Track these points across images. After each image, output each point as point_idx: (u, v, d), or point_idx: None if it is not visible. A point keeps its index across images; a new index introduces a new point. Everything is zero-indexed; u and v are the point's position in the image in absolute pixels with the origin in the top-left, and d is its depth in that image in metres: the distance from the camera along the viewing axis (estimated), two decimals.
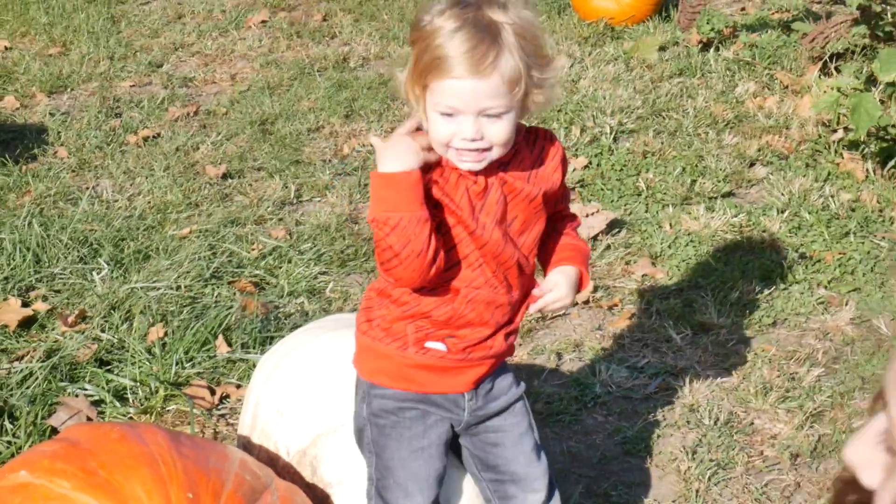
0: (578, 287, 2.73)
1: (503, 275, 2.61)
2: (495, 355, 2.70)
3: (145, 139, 5.49)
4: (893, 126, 5.04)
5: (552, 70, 2.52)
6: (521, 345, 3.81)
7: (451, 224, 2.58)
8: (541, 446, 2.86)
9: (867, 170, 5.33)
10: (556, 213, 2.76)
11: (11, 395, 3.78)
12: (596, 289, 4.12)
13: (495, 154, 2.47)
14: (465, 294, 2.59)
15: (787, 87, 6.02)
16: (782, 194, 4.80)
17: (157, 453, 2.66)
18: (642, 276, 4.21)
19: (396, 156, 2.57)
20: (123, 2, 7.47)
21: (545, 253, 2.80)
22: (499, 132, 2.44)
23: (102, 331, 4.14)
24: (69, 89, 6.24)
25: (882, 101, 4.98)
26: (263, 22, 7.25)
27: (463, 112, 2.36)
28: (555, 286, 2.67)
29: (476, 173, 2.56)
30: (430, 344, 2.66)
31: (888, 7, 5.09)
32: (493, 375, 2.76)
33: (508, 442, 2.83)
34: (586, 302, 4.09)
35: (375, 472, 2.83)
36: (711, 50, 6.48)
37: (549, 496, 2.87)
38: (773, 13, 6.94)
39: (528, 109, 2.54)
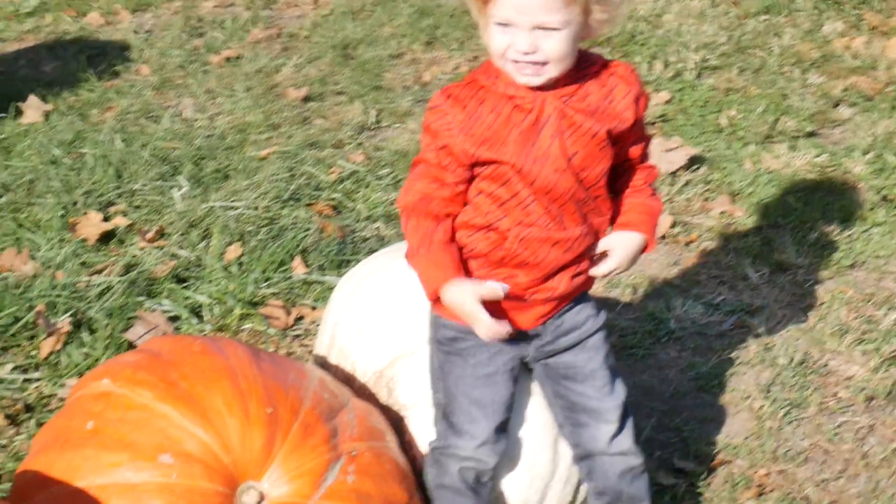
0: (641, 251, 2.72)
1: (558, 211, 2.60)
2: (560, 296, 2.70)
3: (227, 59, 5.53)
4: None
5: None
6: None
7: (500, 163, 2.59)
8: (617, 377, 2.85)
9: None
10: (630, 162, 2.70)
11: (90, 308, 3.86)
12: (674, 224, 4.09)
13: (553, 71, 2.44)
14: (517, 233, 2.60)
15: (875, 27, 5.94)
16: (866, 136, 4.74)
17: (237, 367, 2.71)
18: (721, 213, 4.17)
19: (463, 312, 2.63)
20: None
21: (614, 206, 2.76)
22: (554, 47, 2.41)
23: (180, 248, 4.20)
24: (153, 7, 6.28)
25: None
26: None
27: (518, 24, 2.35)
28: (611, 252, 2.66)
29: (532, 104, 2.55)
30: (490, 283, 2.67)
31: None
32: (565, 310, 2.76)
33: (580, 376, 2.83)
34: (663, 237, 4.09)
35: (443, 396, 2.86)
36: None
37: (621, 427, 2.86)
38: None
39: (591, 28, 2.49)
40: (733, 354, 3.55)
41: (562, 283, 2.65)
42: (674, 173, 4.32)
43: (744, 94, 5.01)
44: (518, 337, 2.71)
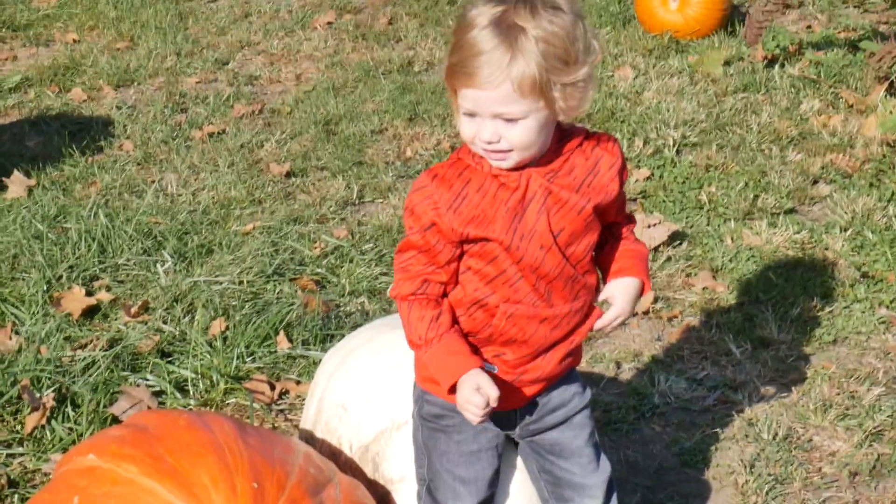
0: (640, 294, 2.72)
1: (546, 289, 2.60)
2: (548, 377, 2.70)
3: (210, 135, 5.55)
4: None
5: (579, 74, 2.46)
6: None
7: (487, 240, 2.58)
8: (601, 453, 2.84)
9: None
10: (614, 223, 2.73)
11: (74, 383, 3.82)
12: (656, 300, 4.11)
13: (519, 157, 2.46)
14: (505, 310, 2.59)
15: (851, 105, 5.99)
16: (845, 213, 4.76)
17: (223, 442, 2.69)
18: (703, 288, 4.20)
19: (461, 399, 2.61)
20: None
21: (603, 260, 2.76)
22: (517, 135, 2.43)
23: (165, 322, 4.19)
24: (136, 83, 6.33)
25: None
26: (329, 23, 7.33)
27: (481, 114, 2.37)
28: (611, 300, 2.66)
29: (518, 182, 2.56)
30: (486, 366, 2.66)
31: None
32: (552, 387, 2.76)
33: (566, 453, 2.83)
34: (646, 312, 4.10)
35: (427, 472, 2.84)
36: (776, 66, 6.47)
37: (606, 502, 2.87)
38: (839, 32, 6.91)
39: (559, 113, 2.49)
40: (717, 429, 3.54)
41: (550, 364, 2.64)
42: (655, 249, 4.34)
43: (723, 171, 5.05)
44: (505, 417, 2.71)
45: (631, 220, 2.80)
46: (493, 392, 2.56)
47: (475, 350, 2.67)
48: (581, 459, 2.82)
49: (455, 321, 2.67)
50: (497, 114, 2.38)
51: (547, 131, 2.50)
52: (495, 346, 2.64)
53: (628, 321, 3.85)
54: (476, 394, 2.54)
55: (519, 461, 2.89)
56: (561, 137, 2.55)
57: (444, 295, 2.65)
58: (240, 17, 7.35)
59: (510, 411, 2.73)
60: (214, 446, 2.74)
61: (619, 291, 2.69)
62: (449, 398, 2.68)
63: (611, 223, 2.72)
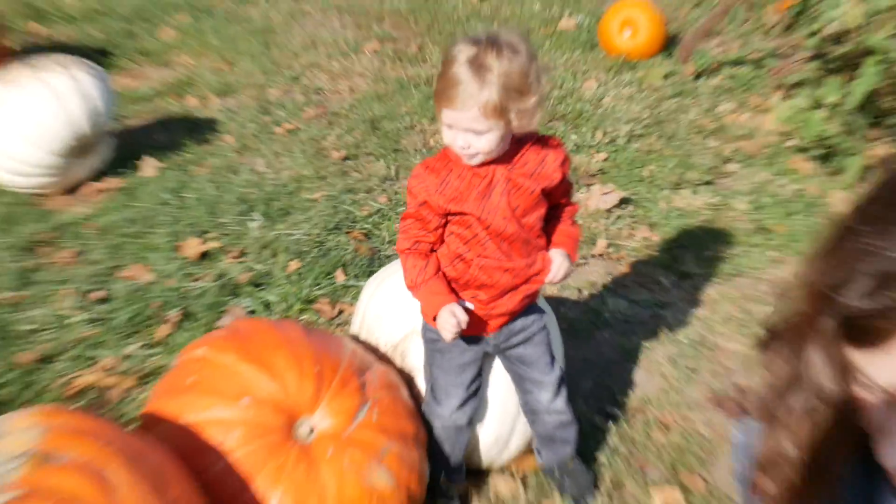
0: (571, 261, 2.78)
1: (507, 248, 2.67)
2: (511, 311, 2.77)
3: (288, 131, 5.54)
4: (831, 136, 5.11)
5: (530, 101, 2.52)
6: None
7: (464, 213, 2.66)
8: (555, 359, 2.96)
9: (811, 168, 5.26)
10: (559, 205, 2.78)
11: (192, 305, 3.90)
12: (609, 245, 4.13)
13: (483, 157, 2.55)
14: (478, 263, 2.66)
15: (756, 106, 6.00)
16: (747, 184, 4.79)
17: (294, 339, 2.83)
18: (642, 238, 4.22)
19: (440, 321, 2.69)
20: (274, 32, 7.55)
21: (549, 231, 2.82)
22: (482, 144, 2.51)
23: (256, 263, 4.21)
24: (234, 94, 6.29)
25: (825, 119, 5.07)
26: (375, 50, 7.21)
27: (456, 128, 2.44)
28: (549, 265, 2.74)
29: (486, 172, 2.65)
30: (462, 302, 2.74)
31: (835, 48, 5.15)
32: (516, 318, 2.85)
33: (528, 361, 2.92)
34: (601, 255, 4.12)
35: (429, 376, 2.95)
36: (702, 79, 6.42)
37: (557, 394, 2.96)
38: (749, 53, 6.87)
39: (515, 128, 2.56)
40: (650, 336, 3.60)
41: (512, 302, 2.73)
42: (609, 210, 4.38)
43: (660, 154, 5.03)
44: (481, 340, 2.83)
45: (572, 204, 2.84)
46: (462, 317, 2.67)
47: (454, 292, 2.76)
48: (539, 365, 2.92)
49: (439, 270, 2.75)
50: (468, 128, 2.45)
51: (505, 141, 2.56)
52: (472, 289, 2.72)
53: (585, 263, 3.96)
54: (451, 318, 2.64)
55: (497, 363, 2.97)
56: (518, 140, 2.62)
57: (433, 251, 2.74)
58: (309, 45, 7.25)
59: (486, 336, 2.86)
60: (288, 341, 2.84)
61: (557, 256, 2.76)
62: (435, 325, 2.79)
63: (557, 208, 2.77)
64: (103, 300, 3.94)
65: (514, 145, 2.60)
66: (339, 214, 4.57)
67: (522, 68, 2.42)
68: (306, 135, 5.75)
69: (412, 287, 2.76)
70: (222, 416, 2.68)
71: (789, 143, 5.42)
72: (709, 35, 6.89)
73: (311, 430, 2.75)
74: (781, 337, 1.45)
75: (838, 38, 5.01)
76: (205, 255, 4.29)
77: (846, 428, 1.41)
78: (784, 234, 4.36)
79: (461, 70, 2.42)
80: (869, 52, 4.51)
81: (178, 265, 4.19)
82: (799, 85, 5.52)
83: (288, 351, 2.79)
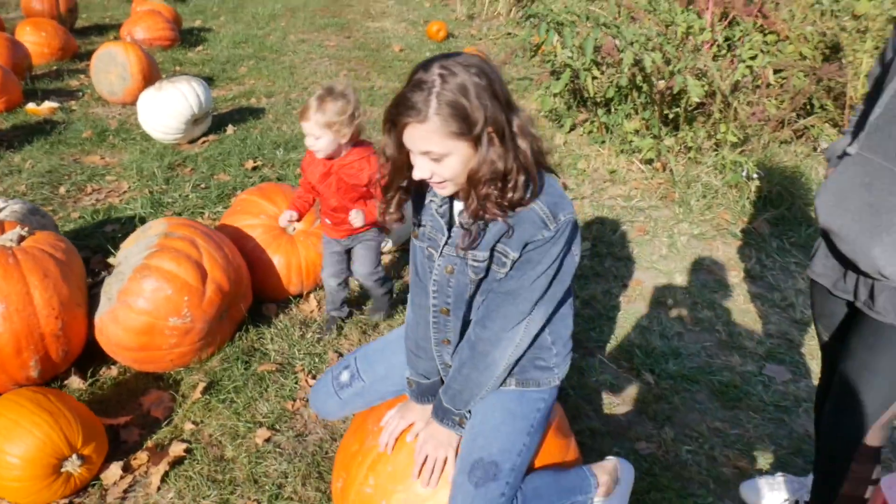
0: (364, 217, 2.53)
1: (330, 206, 2.57)
2: (346, 229, 2.63)
3: (299, 112, 4.77)
4: (555, 108, 5.16)
5: (344, 124, 2.38)
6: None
7: (314, 186, 2.56)
8: (376, 263, 2.76)
9: (548, 124, 5.18)
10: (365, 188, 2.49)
11: (247, 187, 4.06)
12: None
13: (321, 154, 2.38)
14: (321, 205, 2.62)
15: (524, 97, 5.71)
16: None
17: (289, 190, 3.16)
18: None
19: None
20: (295, 67, 7.13)
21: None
22: (320, 144, 2.35)
23: (279, 170, 4.45)
24: (274, 96, 6.12)
25: (553, 100, 5.09)
26: (345, 75, 6.82)
27: (309, 134, 2.32)
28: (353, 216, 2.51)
29: (326, 163, 2.48)
30: (324, 218, 2.68)
31: (554, 67, 5.06)
32: (353, 235, 2.70)
33: (357, 257, 2.77)
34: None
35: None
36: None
37: (378, 286, 2.80)
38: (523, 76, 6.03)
39: (339, 137, 2.36)
40: None
41: (345, 225, 2.61)
42: None
43: None
44: (337, 241, 2.72)
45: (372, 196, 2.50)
46: (288, 218, 2.67)
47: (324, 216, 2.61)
48: (365, 262, 2.75)
49: (304, 205, 2.69)
50: (310, 133, 2.31)
51: (335, 145, 2.40)
52: (324, 215, 2.67)
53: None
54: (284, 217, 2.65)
55: (354, 255, 2.78)
56: (349, 145, 2.45)
57: (314, 200, 2.67)
58: (312, 72, 6.94)
59: (339, 240, 2.72)
60: (284, 190, 3.16)
61: (355, 215, 2.53)
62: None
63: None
64: (206, 188, 4.20)
65: (345, 149, 2.45)
66: None
67: (343, 106, 2.34)
68: None
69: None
70: (251, 223, 3.07)
71: (540, 114, 5.29)
72: None
73: (294, 229, 3.07)
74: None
75: (555, 63, 5.05)
76: (255, 168, 4.54)
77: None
78: None
79: (312, 100, 2.39)
80: (566, 67, 4.72)
81: (243, 172, 4.45)
82: (545, 86, 5.12)
83: (284, 194, 3.16)
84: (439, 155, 1.33)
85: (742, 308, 3.11)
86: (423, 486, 1.53)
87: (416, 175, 1.37)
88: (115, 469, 2.24)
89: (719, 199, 4.02)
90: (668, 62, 4.12)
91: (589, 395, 2.57)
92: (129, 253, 2.62)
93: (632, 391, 2.60)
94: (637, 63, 4.19)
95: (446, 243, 1.50)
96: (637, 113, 4.48)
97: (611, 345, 2.88)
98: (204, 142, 4.99)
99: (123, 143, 4.86)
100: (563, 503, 1.62)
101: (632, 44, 4.10)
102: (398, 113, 1.32)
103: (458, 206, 1.49)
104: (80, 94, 5.91)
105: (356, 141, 2.40)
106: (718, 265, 3.46)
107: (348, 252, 2.71)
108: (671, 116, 4.45)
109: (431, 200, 1.52)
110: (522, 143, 1.34)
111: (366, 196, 2.42)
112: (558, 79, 4.86)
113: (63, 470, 2.10)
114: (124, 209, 3.88)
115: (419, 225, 1.55)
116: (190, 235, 2.62)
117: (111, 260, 2.73)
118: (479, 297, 1.51)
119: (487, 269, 1.46)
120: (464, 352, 1.53)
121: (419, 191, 1.53)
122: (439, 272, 1.51)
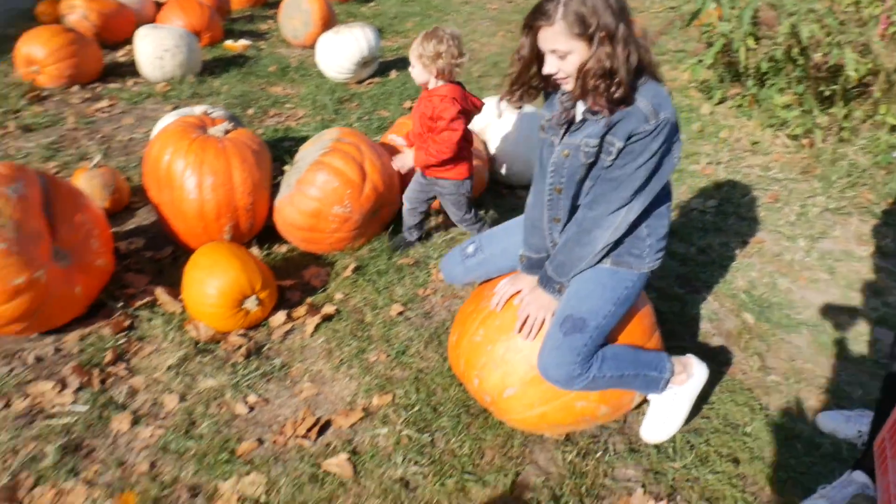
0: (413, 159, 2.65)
1: (414, 132, 2.70)
2: (421, 160, 2.73)
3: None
4: (706, 80, 5.14)
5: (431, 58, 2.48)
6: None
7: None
8: (464, 210, 2.87)
9: (698, 95, 5.12)
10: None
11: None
12: None
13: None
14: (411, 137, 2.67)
15: (677, 68, 5.44)
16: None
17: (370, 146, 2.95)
18: None
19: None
20: (444, 13, 7.35)
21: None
22: (413, 74, 2.47)
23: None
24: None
25: (704, 72, 5.04)
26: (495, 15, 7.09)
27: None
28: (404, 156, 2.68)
29: (421, 92, 2.59)
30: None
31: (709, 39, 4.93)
32: (429, 176, 2.84)
33: (445, 207, 2.87)
34: None
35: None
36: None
37: (474, 231, 2.89)
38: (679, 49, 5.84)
39: (431, 71, 2.45)
40: None
41: (419, 156, 2.68)
42: None
43: None
44: (420, 174, 2.82)
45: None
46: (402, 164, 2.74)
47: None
48: (449, 210, 2.89)
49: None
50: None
51: (422, 80, 2.51)
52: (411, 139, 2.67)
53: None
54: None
55: (441, 202, 2.95)
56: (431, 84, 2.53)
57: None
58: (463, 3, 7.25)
59: (421, 171, 2.84)
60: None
61: (407, 154, 2.72)
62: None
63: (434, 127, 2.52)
64: (368, 120, 4.60)
65: (434, 83, 2.59)
66: None
67: (434, 45, 2.49)
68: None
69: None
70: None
71: (690, 84, 5.31)
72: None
73: None
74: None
75: (711, 35, 4.91)
76: (411, 108, 4.72)
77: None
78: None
79: (419, 35, 2.47)
80: (720, 37, 4.62)
81: (400, 110, 4.82)
82: (698, 58, 5.05)
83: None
84: (563, 52, 1.57)
85: (864, 278, 3.11)
86: (523, 339, 1.87)
87: (546, 70, 1.62)
88: (280, 315, 2.71)
89: (864, 179, 3.97)
90: (828, 34, 4.04)
91: (687, 322, 2.74)
92: (307, 153, 3.01)
93: (729, 326, 2.73)
94: (794, 34, 4.12)
95: (566, 133, 1.75)
96: (790, 87, 4.44)
97: (718, 286, 3.00)
98: (370, 83, 5.37)
99: (301, 79, 5.38)
100: (638, 372, 1.90)
101: (791, 14, 4.06)
102: (534, 18, 1.58)
103: (580, 106, 1.74)
104: (268, 35, 6.51)
105: (451, 80, 2.53)
106: (848, 237, 3.44)
107: (431, 191, 2.86)
108: (826, 93, 4.39)
109: (559, 99, 1.78)
110: (629, 48, 1.54)
111: (433, 131, 2.53)
112: (709, 46, 4.89)
113: (243, 307, 2.53)
114: (299, 130, 4.37)
115: (547, 120, 1.81)
116: (356, 142, 2.94)
117: (285, 168, 3.15)
118: (588, 183, 1.74)
119: (596, 156, 1.69)
120: (571, 229, 1.79)
121: (549, 93, 1.81)
122: (557, 156, 1.76)
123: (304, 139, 4.13)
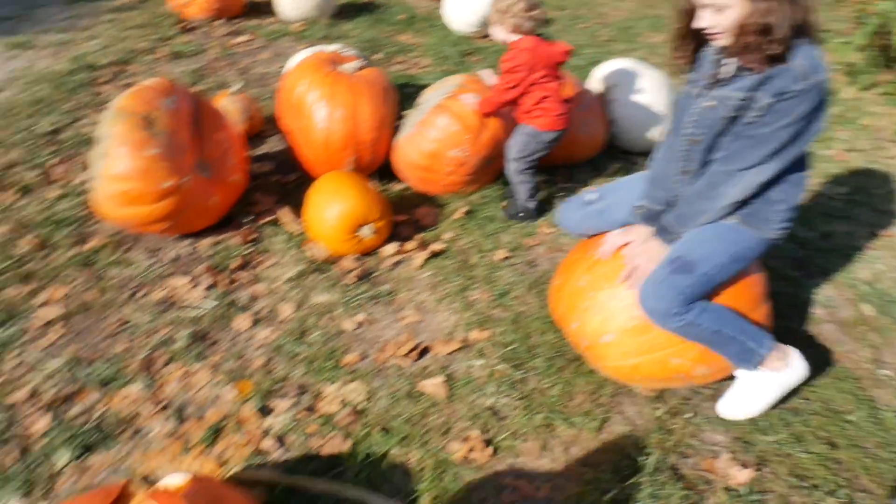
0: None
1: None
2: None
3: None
4: (853, 63, 4.98)
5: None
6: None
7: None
8: (522, 152, 2.92)
9: (843, 79, 4.94)
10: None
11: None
12: None
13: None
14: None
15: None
16: None
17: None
18: None
19: None
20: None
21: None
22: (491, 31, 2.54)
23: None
24: None
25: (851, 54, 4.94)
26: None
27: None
28: None
29: None
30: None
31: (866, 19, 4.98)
32: (518, 123, 2.93)
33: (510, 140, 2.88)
34: None
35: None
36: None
37: (516, 172, 2.94)
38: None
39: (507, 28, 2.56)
40: None
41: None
42: None
43: None
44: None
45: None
46: None
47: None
48: (511, 142, 2.94)
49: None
50: None
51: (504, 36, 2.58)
52: None
53: None
54: None
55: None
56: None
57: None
58: None
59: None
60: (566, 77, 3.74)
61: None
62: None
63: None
64: (445, 65, 4.67)
65: (511, 37, 2.69)
66: None
67: (504, 4, 2.55)
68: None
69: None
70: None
71: (834, 66, 5.06)
72: None
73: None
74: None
75: (865, 14, 4.85)
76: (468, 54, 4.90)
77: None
78: None
79: None
80: (874, 17, 4.53)
81: (455, 61, 4.84)
82: (850, 38, 5.00)
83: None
84: (722, 6, 1.57)
85: None
86: (628, 288, 1.87)
87: (698, 24, 1.62)
88: (391, 247, 2.84)
89: None
90: None
91: (798, 305, 2.69)
92: (430, 97, 3.15)
93: (844, 315, 2.66)
94: None
95: (713, 87, 1.74)
96: None
97: (837, 274, 2.91)
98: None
99: (428, 29, 5.54)
100: (736, 335, 1.84)
101: None
102: None
103: (731, 62, 1.73)
104: None
105: (529, 33, 2.60)
106: None
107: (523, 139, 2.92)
108: None
109: (708, 55, 1.78)
110: (791, 6, 1.53)
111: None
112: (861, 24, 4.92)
113: (359, 233, 2.66)
114: (422, 78, 4.48)
115: (695, 72, 1.83)
116: (480, 91, 2.99)
117: (404, 112, 3.28)
118: (727, 138, 1.72)
119: (741, 111, 1.67)
120: (700, 181, 1.78)
121: (699, 47, 1.81)
122: (700, 108, 1.75)
123: (426, 87, 4.04)
